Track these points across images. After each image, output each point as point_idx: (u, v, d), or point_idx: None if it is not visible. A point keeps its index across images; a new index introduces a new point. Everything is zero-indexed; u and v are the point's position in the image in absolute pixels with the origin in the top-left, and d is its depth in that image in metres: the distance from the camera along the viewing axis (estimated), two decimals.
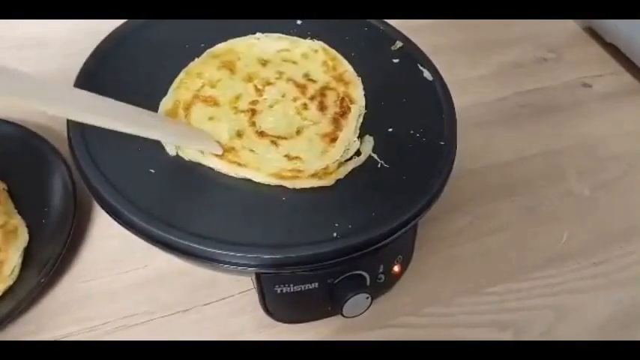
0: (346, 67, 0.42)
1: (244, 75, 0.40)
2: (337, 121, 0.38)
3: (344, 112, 0.39)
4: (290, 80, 0.40)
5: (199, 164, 0.35)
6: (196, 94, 0.38)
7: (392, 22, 0.47)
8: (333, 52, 0.43)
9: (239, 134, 0.37)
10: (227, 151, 0.35)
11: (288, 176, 0.34)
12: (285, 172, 0.35)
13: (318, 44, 0.43)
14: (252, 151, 0.35)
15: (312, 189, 0.34)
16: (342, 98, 0.39)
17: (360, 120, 0.39)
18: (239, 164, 0.35)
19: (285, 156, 0.36)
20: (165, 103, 0.38)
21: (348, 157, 0.36)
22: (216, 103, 0.38)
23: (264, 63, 0.41)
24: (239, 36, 0.43)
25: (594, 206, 0.48)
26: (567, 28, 0.67)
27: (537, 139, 0.53)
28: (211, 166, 0.35)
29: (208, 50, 0.42)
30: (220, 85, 0.39)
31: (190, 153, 0.35)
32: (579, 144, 0.53)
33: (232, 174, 0.34)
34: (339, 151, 0.36)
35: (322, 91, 0.40)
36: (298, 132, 0.37)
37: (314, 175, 0.35)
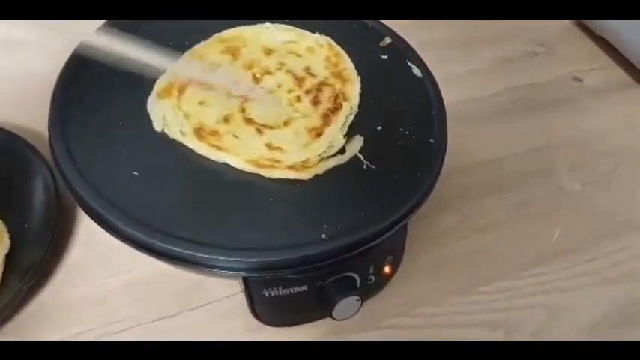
0: (347, 65, 0.42)
1: (245, 62, 0.40)
2: (327, 116, 0.38)
3: (336, 109, 0.38)
4: (289, 72, 0.40)
5: (182, 145, 0.35)
6: (193, 77, 0.38)
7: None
8: (338, 48, 0.43)
9: (226, 119, 0.37)
10: (210, 134, 0.35)
11: (265, 165, 0.34)
12: (262, 161, 0.34)
13: (324, 39, 0.43)
14: (235, 136, 0.35)
15: (300, 188, 0.34)
16: (337, 95, 0.39)
17: (351, 118, 0.38)
18: (218, 148, 0.34)
19: (267, 145, 0.35)
20: (161, 82, 0.38)
21: (331, 154, 0.36)
22: (210, 87, 0.38)
23: (268, 52, 0.41)
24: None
25: (586, 202, 0.48)
26: (557, 22, 0.67)
27: (528, 135, 0.53)
28: (190, 146, 0.35)
29: (216, 34, 0.42)
30: (219, 69, 0.40)
31: (174, 131, 0.35)
32: (570, 139, 0.53)
33: (211, 157, 0.34)
34: (323, 146, 0.36)
35: (319, 86, 0.40)
36: (286, 123, 0.37)
37: (291, 167, 0.34)
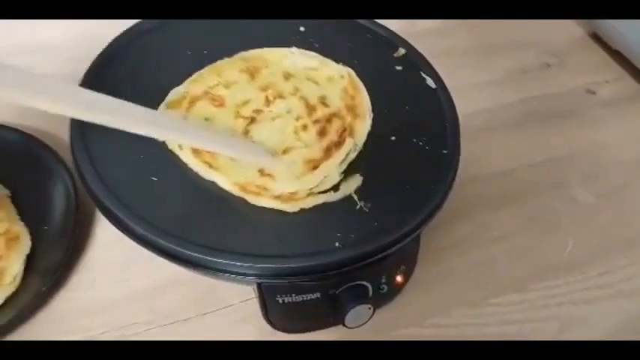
0: (363, 100, 0.41)
1: (262, 83, 0.40)
2: (329, 150, 0.37)
3: (339, 143, 0.37)
4: (302, 99, 0.40)
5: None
6: (207, 91, 0.39)
7: (394, 25, 0.47)
8: (357, 81, 0.42)
9: None
10: (207, 151, 0.35)
11: (251, 191, 0.34)
12: (250, 186, 0.34)
13: (346, 70, 0.42)
14: (231, 157, 0.35)
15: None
16: (344, 129, 0.38)
17: (353, 156, 0.37)
18: (211, 166, 0.35)
19: (259, 170, 0.35)
20: (175, 93, 0.38)
21: (323, 189, 0.35)
22: (221, 104, 0.38)
23: (287, 76, 0.41)
24: (247, 46, 0.43)
25: (599, 214, 0.48)
26: (571, 33, 0.67)
27: (541, 146, 0.53)
28: (185, 160, 0.35)
29: (241, 53, 0.42)
30: (234, 87, 0.40)
31: (173, 142, 0.35)
32: (583, 151, 0.53)
33: (201, 174, 0.35)
34: (315, 180, 0.35)
35: (329, 117, 0.39)
36: (285, 151, 0.36)
37: (277, 197, 0.34)
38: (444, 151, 0.38)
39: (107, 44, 0.42)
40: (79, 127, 0.37)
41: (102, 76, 0.40)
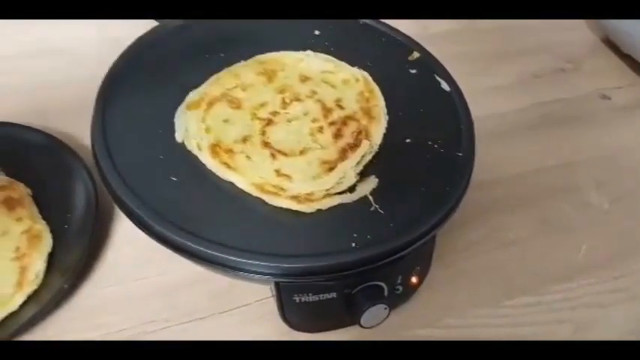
0: (378, 102, 0.41)
1: (279, 86, 0.41)
2: (345, 151, 0.37)
3: (355, 145, 0.38)
4: (319, 101, 0.40)
5: None
6: (225, 93, 0.40)
7: (407, 29, 0.47)
8: (373, 84, 0.42)
9: (244, 139, 0.37)
10: (225, 151, 0.36)
11: (269, 191, 0.34)
12: (267, 186, 0.35)
13: (361, 74, 0.43)
14: (248, 157, 0.36)
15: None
16: (360, 131, 0.39)
17: (368, 157, 0.38)
18: (229, 166, 0.35)
19: (276, 171, 0.36)
20: (194, 93, 0.39)
21: (339, 190, 0.35)
22: (238, 106, 0.39)
23: (304, 79, 0.42)
24: (263, 49, 0.44)
25: (613, 218, 0.48)
26: (585, 38, 0.67)
27: (555, 151, 0.53)
28: (203, 161, 0.36)
29: (257, 56, 0.43)
30: (252, 89, 0.40)
31: (192, 143, 0.36)
32: (598, 156, 0.53)
33: (219, 174, 0.35)
34: (331, 181, 0.36)
35: (345, 120, 0.39)
36: (302, 152, 0.37)
37: (294, 198, 0.34)
38: (459, 154, 0.38)
39: (127, 46, 0.43)
40: (100, 129, 0.37)
41: (122, 77, 0.41)
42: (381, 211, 0.35)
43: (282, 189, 0.35)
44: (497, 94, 0.57)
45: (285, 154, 0.37)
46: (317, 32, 0.47)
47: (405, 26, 0.48)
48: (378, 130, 0.39)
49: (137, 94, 0.40)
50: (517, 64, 0.61)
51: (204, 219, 0.33)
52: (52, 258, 0.38)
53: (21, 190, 0.41)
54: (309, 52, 0.44)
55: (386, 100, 0.42)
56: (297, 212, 0.34)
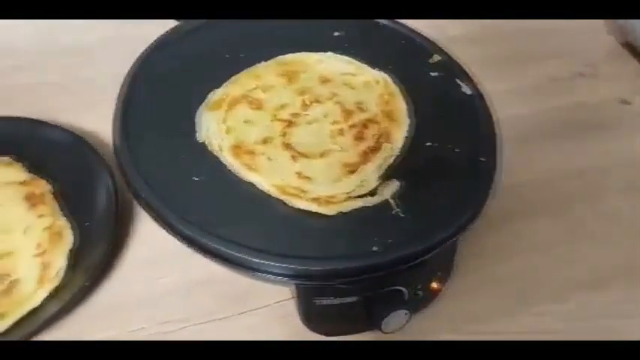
0: (399, 105, 0.41)
1: (299, 87, 0.41)
2: (366, 154, 0.37)
3: (376, 148, 0.38)
4: (339, 103, 0.40)
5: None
6: (246, 94, 0.40)
7: (426, 32, 0.47)
8: (393, 87, 0.42)
9: (265, 141, 0.37)
10: (246, 153, 0.36)
11: (290, 193, 0.34)
12: (288, 188, 0.35)
13: (381, 76, 0.43)
14: (269, 159, 0.36)
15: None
16: (381, 134, 0.39)
17: (390, 161, 0.37)
18: (250, 167, 0.35)
19: (297, 173, 0.36)
20: (215, 94, 0.40)
21: (361, 193, 0.35)
22: (259, 107, 0.39)
23: (324, 81, 0.42)
24: (282, 50, 0.44)
25: (636, 226, 0.47)
26: (604, 42, 0.66)
27: (577, 156, 0.52)
28: (224, 162, 0.36)
29: (278, 57, 0.43)
30: (272, 91, 0.41)
31: (213, 144, 0.37)
32: (621, 161, 0.52)
33: (240, 175, 0.35)
34: (352, 184, 0.35)
35: (366, 122, 0.39)
36: (322, 154, 0.37)
37: (315, 200, 0.34)
38: (481, 159, 0.38)
39: (147, 46, 0.43)
40: (122, 129, 0.38)
41: (142, 77, 0.41)
42: (403, 215, 0.35)
43: (303, 191, 0.35)
44: (515, 97, 0.57)
45: (305, 156, 0.37)
46: (336, 34, 0.47)
47: (423, 29, 0.47)
48: (399, 134, 0.39)
49: (158, 93, 0.40)
50: (536, 68, 0.61)
51: (226, 219, 0.33)
52: (73, 255, 0.38)
53: (43, 187, 0.41)
54: (329, 53, 0.44)
55: (407, 103, 0.42)
56: (317, 214, 0.34)
